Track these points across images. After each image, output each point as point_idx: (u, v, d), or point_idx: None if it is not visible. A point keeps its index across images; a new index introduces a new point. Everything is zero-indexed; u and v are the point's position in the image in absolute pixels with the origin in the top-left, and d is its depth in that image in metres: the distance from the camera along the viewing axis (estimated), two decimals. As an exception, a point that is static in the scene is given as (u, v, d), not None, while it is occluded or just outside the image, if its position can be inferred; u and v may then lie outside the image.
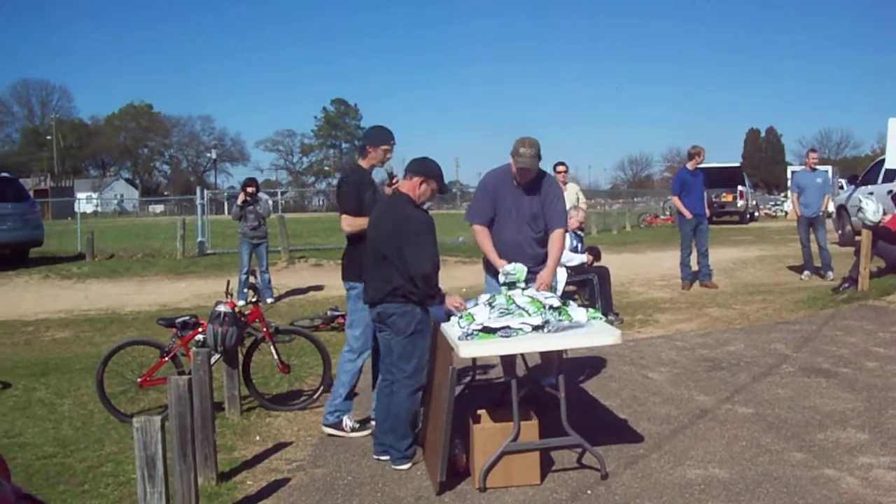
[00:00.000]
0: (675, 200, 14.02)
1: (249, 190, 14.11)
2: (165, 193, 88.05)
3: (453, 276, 12.74)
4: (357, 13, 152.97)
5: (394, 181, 6.67)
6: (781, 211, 44.87)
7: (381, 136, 6.54)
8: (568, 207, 11.25)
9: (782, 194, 53.69)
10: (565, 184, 12.96)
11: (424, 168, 5.73)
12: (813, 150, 15.42)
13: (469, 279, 13.96)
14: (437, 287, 5.57)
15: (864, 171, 20.06)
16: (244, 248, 14.11)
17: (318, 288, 15.97)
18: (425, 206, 5.85)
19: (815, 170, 14.63)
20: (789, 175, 44.95)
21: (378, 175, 6.77)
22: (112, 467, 5.90)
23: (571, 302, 5.78)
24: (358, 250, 6.38)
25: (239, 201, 14.10)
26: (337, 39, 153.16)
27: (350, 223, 6.34)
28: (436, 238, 5.65)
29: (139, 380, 7.25)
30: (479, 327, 5.15)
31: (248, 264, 14.02)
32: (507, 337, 5.12)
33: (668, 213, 40.48)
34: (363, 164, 6.54)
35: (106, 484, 5.58)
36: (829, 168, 25.40)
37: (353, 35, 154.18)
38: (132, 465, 5.32)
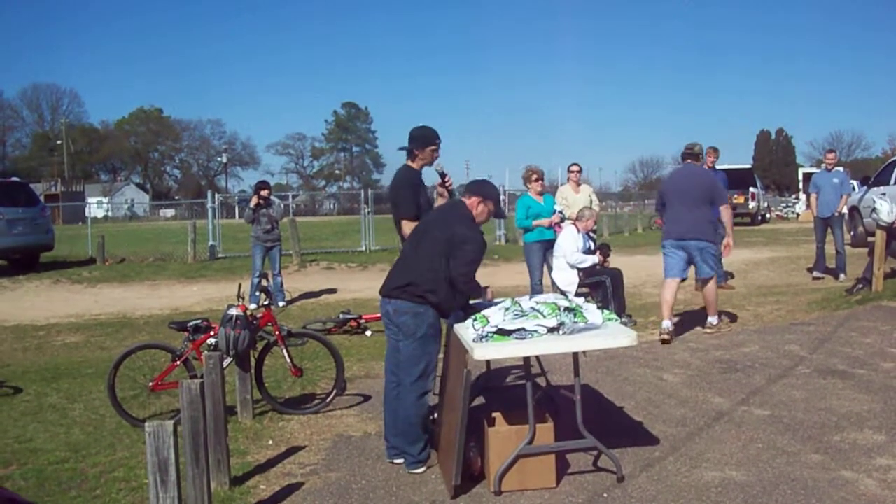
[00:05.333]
0: None
1: (263, 193, 13.97)
2: (176, 197, 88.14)
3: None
4: (367, 16, 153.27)
5: (446, 181, 6.72)
6: (793, 213, 44.73)
7: (427, 138, 6.60)
8: (580, 208, 11.30)
9: (793, 196, 53.44)
10: (579, 184, 12.88)
11: (484, 189, 5.85)
12: (831, 151, 15.41)
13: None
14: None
15: (877, 172, 19.96)
16: (257, 251, 14.03)
17: (331, 291, 15.95)
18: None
19: (831, 170, 14.56)
20: (801, 177, 44.92)
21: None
22: (124, 472, 5.86)
23: (585, 303, 5.72)
24: None
25: (252, 204, 14.00)
26: (347, 42, 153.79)
27: (413, 228, 6.33)
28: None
29: (151, 384, 7.22)
30: (494, 329, 5.11)
31: (261, 268, 13.86)
32: (521, 339, 5.07)
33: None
34: (413, 165, 6.57)
35: (118, 489, 5.55)
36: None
37: (363, 38, 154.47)
38: (144, 469, 5.30)
